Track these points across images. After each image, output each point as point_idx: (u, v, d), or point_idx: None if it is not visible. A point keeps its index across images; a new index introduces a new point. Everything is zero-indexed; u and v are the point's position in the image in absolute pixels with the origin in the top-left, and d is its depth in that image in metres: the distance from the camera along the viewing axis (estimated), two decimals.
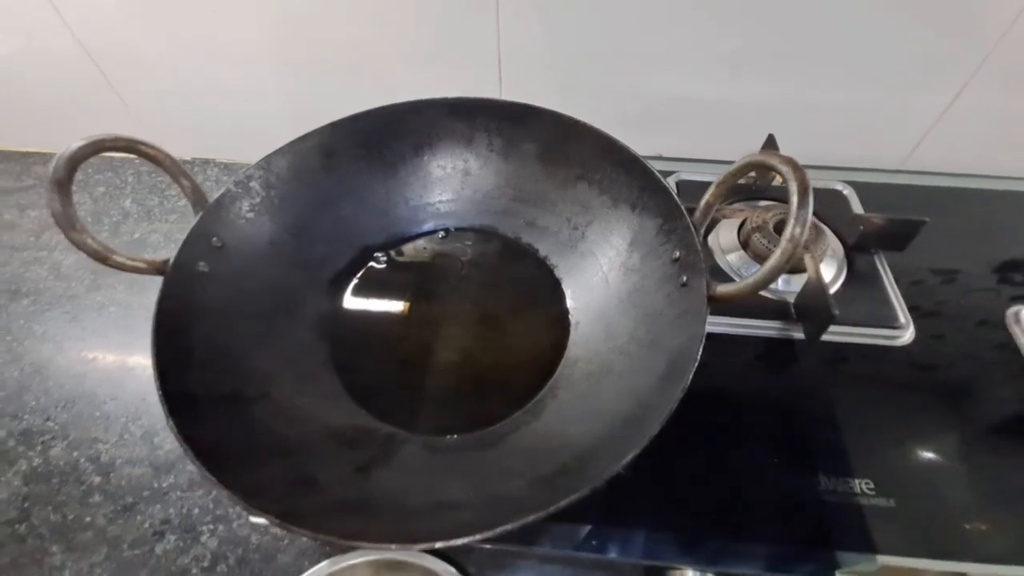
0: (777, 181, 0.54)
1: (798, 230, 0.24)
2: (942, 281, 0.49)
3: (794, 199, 0.25)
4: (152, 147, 0.33)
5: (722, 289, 0.29)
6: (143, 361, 0.53)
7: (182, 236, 0.63)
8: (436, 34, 0.54)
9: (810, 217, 0.25)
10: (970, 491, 0.37)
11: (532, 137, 0.43)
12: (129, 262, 0.31)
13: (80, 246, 0.29)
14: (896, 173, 0.60)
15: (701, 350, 0.28)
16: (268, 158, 0.40)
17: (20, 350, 0.54)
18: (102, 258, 0.30)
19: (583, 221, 0.43)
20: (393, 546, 0.23)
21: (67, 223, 0.28)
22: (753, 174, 0.54)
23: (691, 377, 0.28)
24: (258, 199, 0.39)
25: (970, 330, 0.45)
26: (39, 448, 0.47)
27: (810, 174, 0.56)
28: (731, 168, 0.30)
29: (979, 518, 0.36)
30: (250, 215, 0.39)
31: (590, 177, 0.42)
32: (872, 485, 0.37)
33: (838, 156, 0.58)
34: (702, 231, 0.33)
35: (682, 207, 0.34)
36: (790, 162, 0.25)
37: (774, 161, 0.26)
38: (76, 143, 0.29)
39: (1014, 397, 0.42)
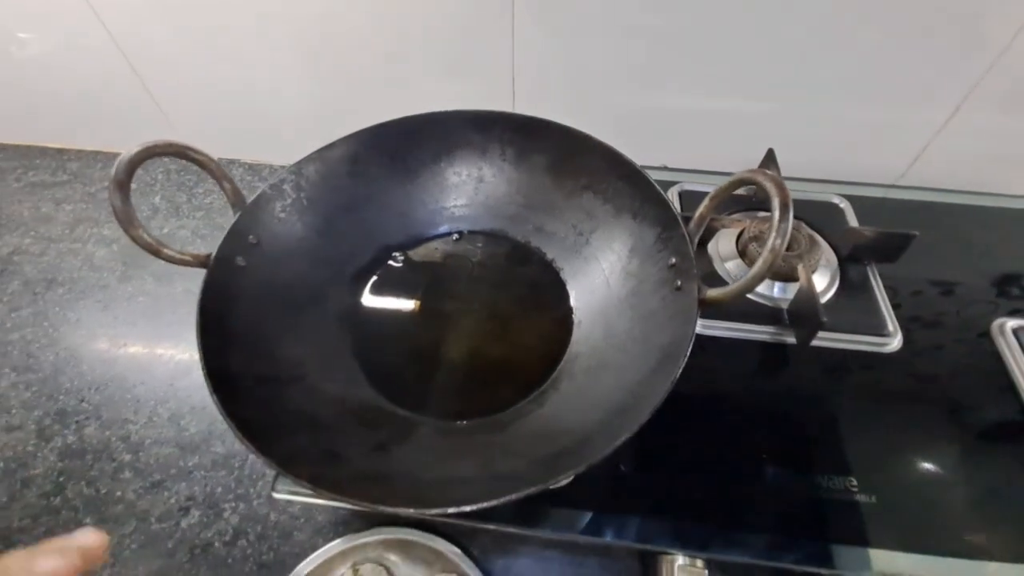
0: None
1: (779, 241, 0.27)
2: (934, 293, 0.51)
3: (776, 214, 0.28)
4: (199, 152, 0.36)
5: (711, 293, 0.32)
6: (170, 349, 0.55)
7: (208, 232, 0.67)
8: (454, 47, 0.57)
9: (790, 230, 0.27)
10: (946, 488, 0.40)
11: (542, 149, 0.46)
12: (178, 256, 0.34)
13: (137, 241, 0.32)
14: (893, 188, 0.61)
15: (690, 348, 0.31)
16: (299, 163, 0.43)
17: (56, 335, 0.57)
18: (155, 251, 0.33)
19: (588, 228, 0.45)
20: (411, 510, 0.26)
21: (127, 220, 0.32)
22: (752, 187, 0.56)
23: (680, 372, 0.30)
24: (289, 201, 0.42)
25: (957, 340, 0.47)
26: (73, 427, 0.50)
27: (808, 187, 0.59)
28: (723, 184, 0.33)
29: (954, 512, 0.38)
30: (282, 215, 0.42)
31: (596, 187, 0.44)
32: (855, 482, 0.39)
33: (836, 170, 0.60)
34: (696, 240, 0.35)
35: (679, 218, 0.37)
36: (774, 179, 0.28)
37: (760, 178, 0.29)
38: (134, 148, 0.32)
39: (994, 404, 0.44)
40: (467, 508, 0.26)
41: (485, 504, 0.26)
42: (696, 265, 0.34)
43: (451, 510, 0.26)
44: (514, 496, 0.26)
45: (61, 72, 0.67)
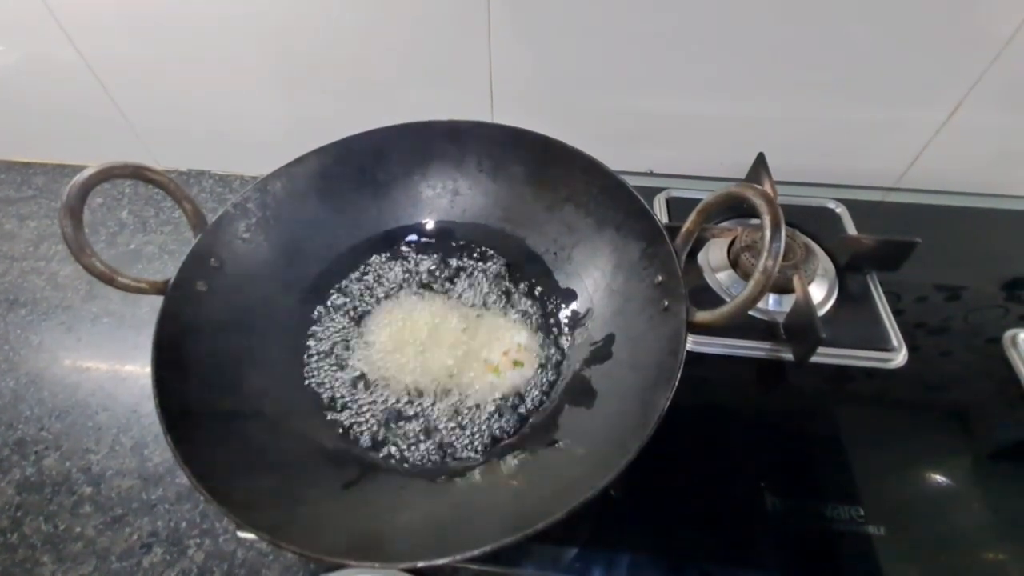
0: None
1: (770, 263, 0.25)
2: (939, 300, 0.49)
3: (767, 232, 0.25)
4: (157, 172, 0.34)
5: (701, 316, 0.30)
6: (135, 371, 0.53)
7: (176, 247, 0.64)
8: (429, 56, 0.55)
9: (782, 250, 0.25)
10: (960, 516, 0.37)
11: (520, 160, 0.44)
12: (133, 283, 0.32)
13: (89, 269, 0.30)
14: (891, 191, 0.59)
15: (680, 373, 0.29)
16: (264, 180, 0.40)
17: (16, 360, 0.54)
18: (109, 280, 0.31)
19: (570, 242, 0.43)
20: (376, 564, 0.23)
21: (78, 247, 0.30)
22: None
23: (669, 401, 0.28)
24: (254, 220, 0.40)
25: (966, 353, 0.45)
26: (32, 458, 0.48)
27: (802, 192, 0.56)
28: (709, 198, 0.31)
29: (970, 543, 0.36)
30: (246, 235, 0.40)
31: (577, 199, 0.42)
32: (862, 512, 0.37)
33: (831, 173, 0.58)
34: (683, 257, 0.33)
35: (665, 233, 0.34)
36: (764, 195, 0.26)
37: (749, 193, 0.27)
38: (87, 171, 0.30)
39: (1010, 422, 0.41)
40: (440, 561, 0.23)
41: (459, 557, 0.23)
42: (684, 285, 0.31)
43: (421, 564, 0.23)
44: (491, 547, 0.23)
45: (26, 85, 0.65)
